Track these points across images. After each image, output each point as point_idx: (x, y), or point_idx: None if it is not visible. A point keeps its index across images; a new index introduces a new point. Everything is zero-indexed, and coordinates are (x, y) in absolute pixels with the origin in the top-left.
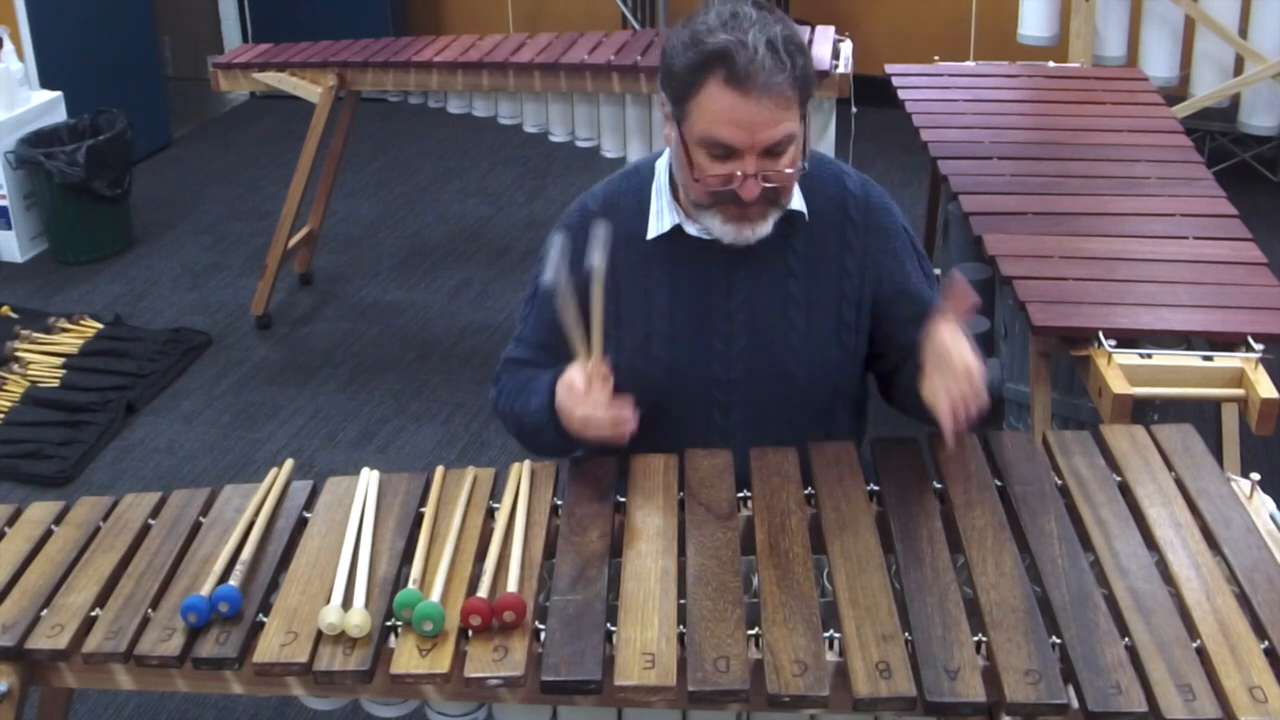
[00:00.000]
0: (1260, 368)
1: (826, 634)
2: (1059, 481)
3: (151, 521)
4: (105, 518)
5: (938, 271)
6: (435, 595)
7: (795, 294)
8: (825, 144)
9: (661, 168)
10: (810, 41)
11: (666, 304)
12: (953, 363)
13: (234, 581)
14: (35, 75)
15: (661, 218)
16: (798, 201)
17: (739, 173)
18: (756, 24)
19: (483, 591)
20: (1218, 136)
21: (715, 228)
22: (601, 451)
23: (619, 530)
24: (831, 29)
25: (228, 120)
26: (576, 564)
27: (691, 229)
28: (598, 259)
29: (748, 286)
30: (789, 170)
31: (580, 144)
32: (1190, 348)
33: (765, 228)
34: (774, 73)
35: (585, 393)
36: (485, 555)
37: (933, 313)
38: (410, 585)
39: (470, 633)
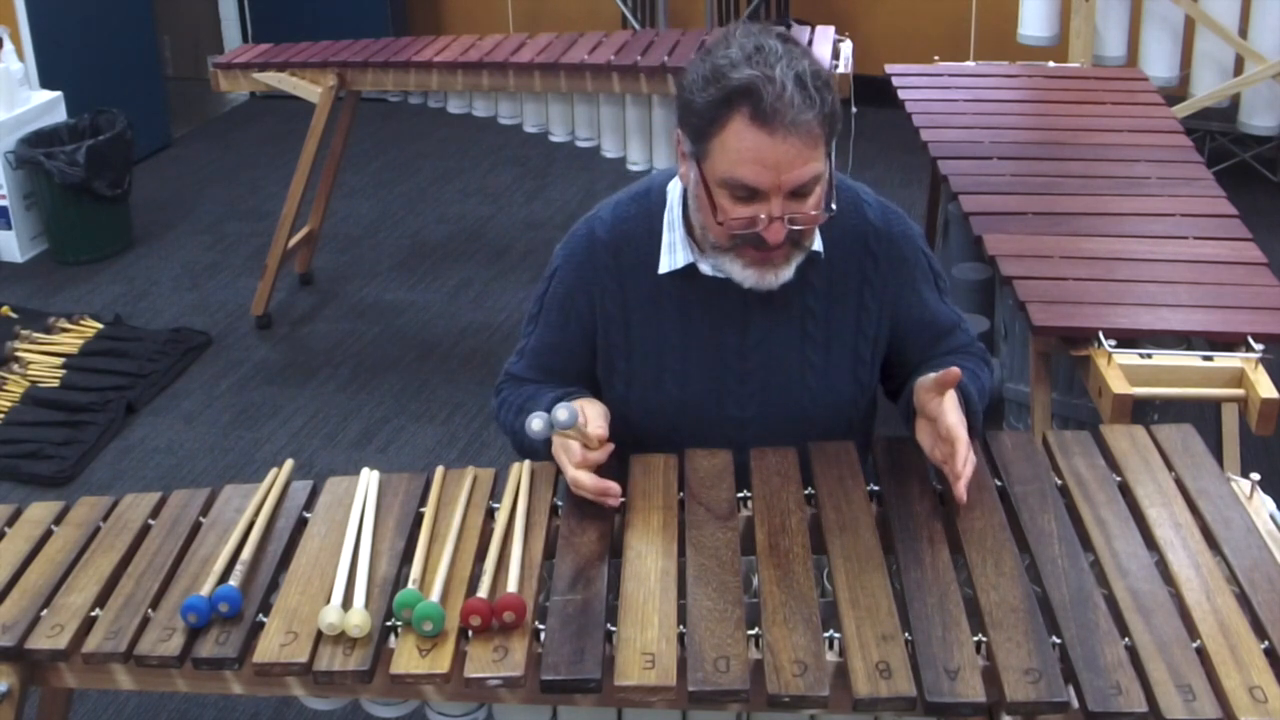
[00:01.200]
0: (1260, 368)
1: (826, 634)
2: (1059, 481)
3: (151, 521)
4: (105, 518)
5: None
6: (435, 595)
7: (813, 333)
8: None
9: (674, 197)
10: (810, 42)
11: (679, 340)
12: (941, 432)
13: (234, 581)
14: (35, 75)
15: (674, 252)
16: (815, 239)
17: (763, 215)
18: (784, 58)
19: (483, 591)
20: (1218, 136)
21: (735, 272)
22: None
23: (619, 530)
24: (831, 29)
25: (228, 120)
26: (576, 564)
27: (706, 268)
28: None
29: (764, 325)
30: (814, 212)
31: (580, 144)
32: (1190, 348)
33: (788, 272)
34: (802, 110)
35: (580, 460)
36: (485, 555)
37: (948, 324)
38: (410, 585)
39: (470, 633)
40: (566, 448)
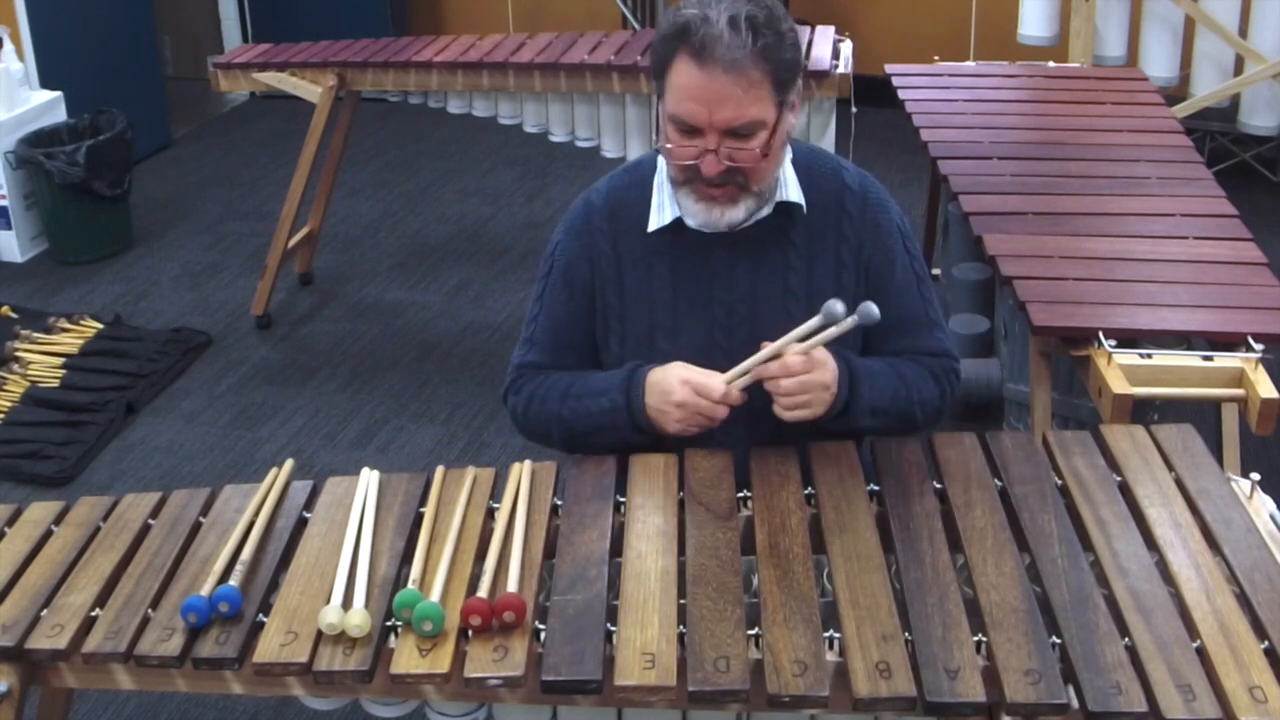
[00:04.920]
0: (1260, 368)
1: (826, 634)
2: (1059, 481)
3: (151, 521)
4: (105, 518)
5: (936, 272)
6: (435, 595)
7: (794, 286)
8: (825, 144)
9: (664, 160)
10: (810, 42)
11: (669, 296)
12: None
13: (234, 581)
14: (35, 75)
15: (663, 210)
16: (795, 193)
17: (699, 147)
18: (727, 1)
19: (482, 591)
20: (1218, 136)
21: (688, 208)
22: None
23: (619, 530)
24: (831, 29)
25: (228, 120)
26: (576, 564)
27: (692, 222)
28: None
29: (748, 279)
30: (755, 152)
31: (580, 144)
32: (1190, 348)
33: (737, 213)
34: (733, 48)
35: (711, 400)
36: (485, 555)
37: (916, 320)
38: (410, 585)
39: (470, 633)
40: (702, 386)
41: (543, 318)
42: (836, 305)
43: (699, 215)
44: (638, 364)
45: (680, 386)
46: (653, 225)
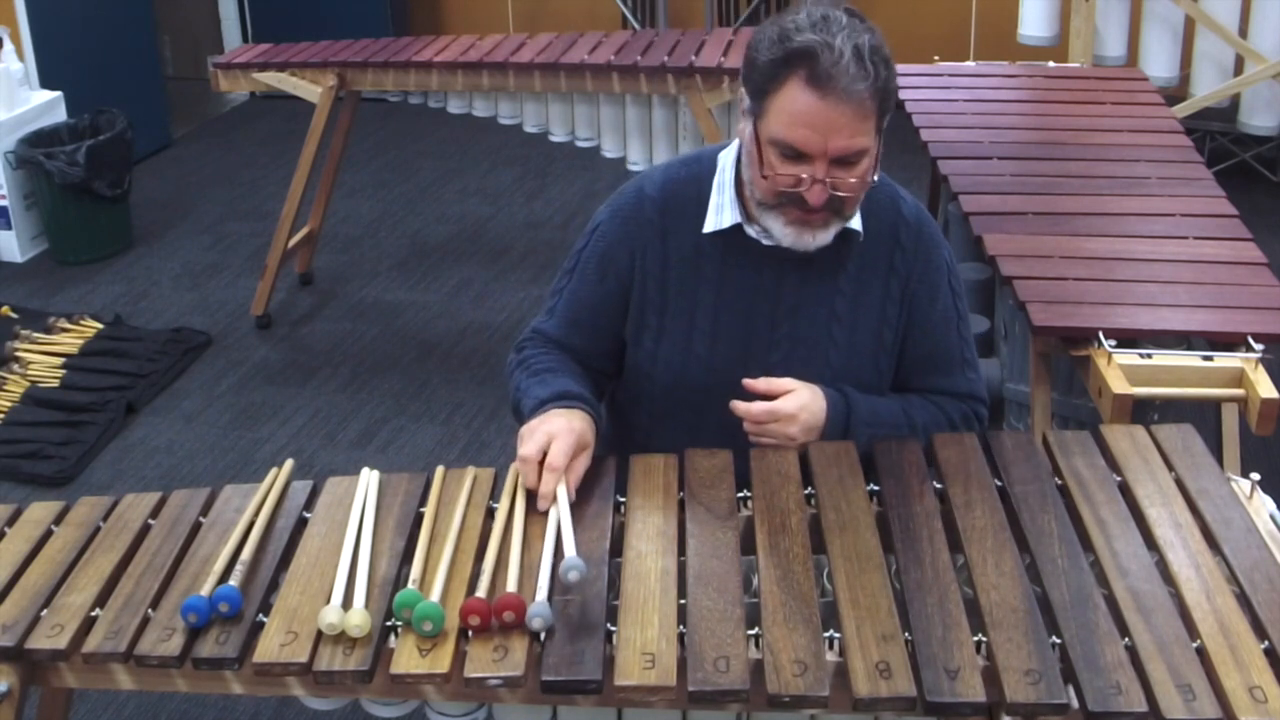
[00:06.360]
0: (1260, 368)
1: (826, 634)
2: (1059, 481)
3: (151, 521)
4: (105, 518)
5: None
6: (435, 595)
7: (840, 311)
8: None
9: (727, 163)
10: None
11: (713, 301)
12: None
13: (234, 581)
14: (35, 75)
15: (722, 213)
16: (856, 221)
17: (806, 176)
18: (846, 29)
19: (481, 591)
20: (1218, 136)
21: (776, 229)
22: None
23: (619, 530)
24: None
25: (228, 120)
26: None
27: (751, 230)
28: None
29: (795, 296)
30: (857, 181)
31: (580, 144)
32: (1190, 348)
33: (826, 236)
34: (856, 80)
35: (535, 458)
36: (485, 555)
37: (950, 359)
38: (410, 585)
39: (470, 633)
40: (532, 436)
41: (567, 293)
42: (571, 571)
43: (789, 238)
44: (580, 399)
45: (533, 450)
46: (709, 227)
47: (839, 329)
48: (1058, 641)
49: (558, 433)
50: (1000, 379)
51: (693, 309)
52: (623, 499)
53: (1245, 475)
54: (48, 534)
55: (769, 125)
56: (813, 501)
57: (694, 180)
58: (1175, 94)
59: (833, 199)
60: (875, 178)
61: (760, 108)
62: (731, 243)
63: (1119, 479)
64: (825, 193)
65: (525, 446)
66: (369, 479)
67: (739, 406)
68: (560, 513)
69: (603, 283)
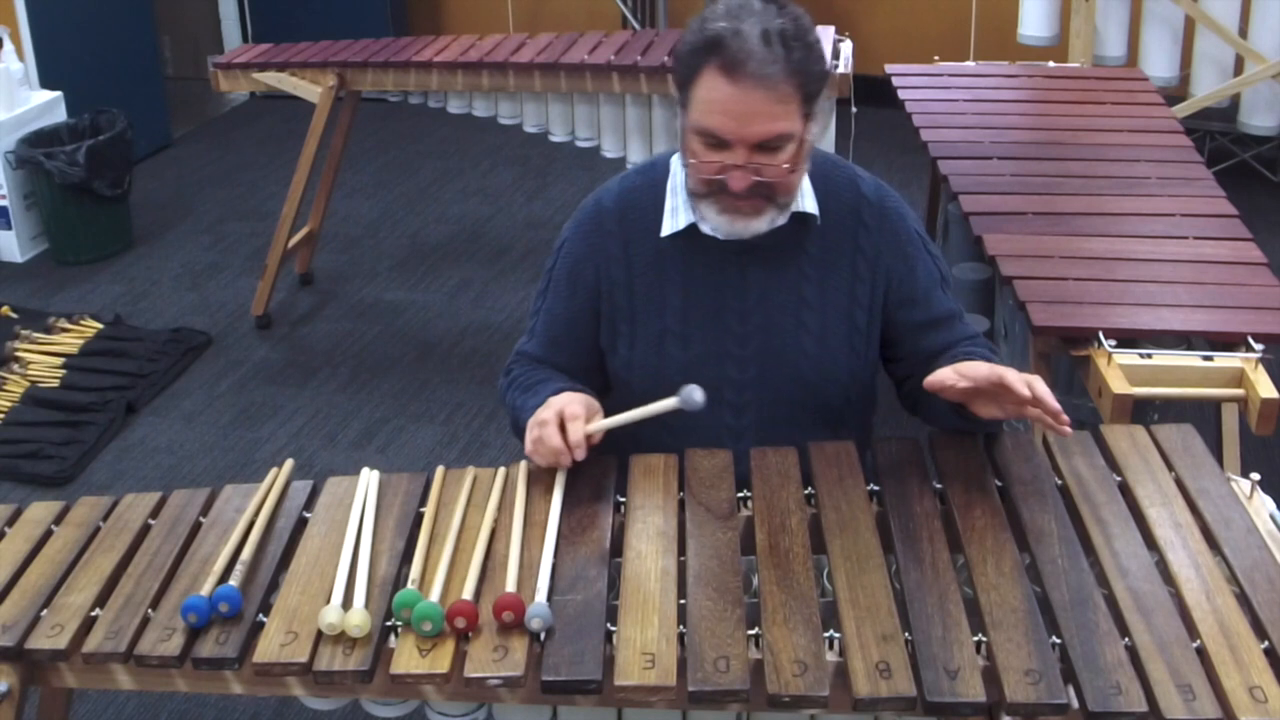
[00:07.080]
0: (1260, 368)
1: (826, 634)
2: (1059, 481)
3: (151, 521)
4: (105, 518)
5: None
6: (435, 595)
7: (808, 297)
8: (825, 144)
9: (677, 164)
10: None
11: (680, 302)
12: (986, 387)
13: (234, 581)
14: (35, 75)
15: (676, 215)
16: (810, 203)
17: (730, 163)
18: (758, 14)
19: (467, 593)
20: (1218, 136)
21: (711, 218)
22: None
23: (619, 530)
24: (831, 29)
25: (228, 120)
26: (576, 564)
27: (705, 228)
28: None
29: (761, 287)
30: (783, 167)
31: (580, 144)
32: (1190, 348)
33: (760, 224)
34: (766, 64)
35: (556, 443)
36: (485, 555)
37: (949, 316)
38: (410, 585)
39: (469, 633)
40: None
41: (544, 312)
42: (695, 394)
43: (722, 226)
44: (572, 386)
45: (550, 414)
46: (666, 230)
47: (809, 314)
48: (1058, 641)
49: (566, 401)
50: None
51: (662, 312)
52: (623, 499)
53: (1245, 475)
54: (48, 534)
55: (691, 114)
56: (813, 501)
57: (649, 186)
58: (1175, 94)
59: (759, 185)
60: (807, 165)
61: (685, 98)
62: (691, 243)
63: (1119, 479)
64: (748, 178)
65: (539, 416)
66: (369, 479)
67: (1036, 394)
68: (610, 421)
69: (574, 298)
